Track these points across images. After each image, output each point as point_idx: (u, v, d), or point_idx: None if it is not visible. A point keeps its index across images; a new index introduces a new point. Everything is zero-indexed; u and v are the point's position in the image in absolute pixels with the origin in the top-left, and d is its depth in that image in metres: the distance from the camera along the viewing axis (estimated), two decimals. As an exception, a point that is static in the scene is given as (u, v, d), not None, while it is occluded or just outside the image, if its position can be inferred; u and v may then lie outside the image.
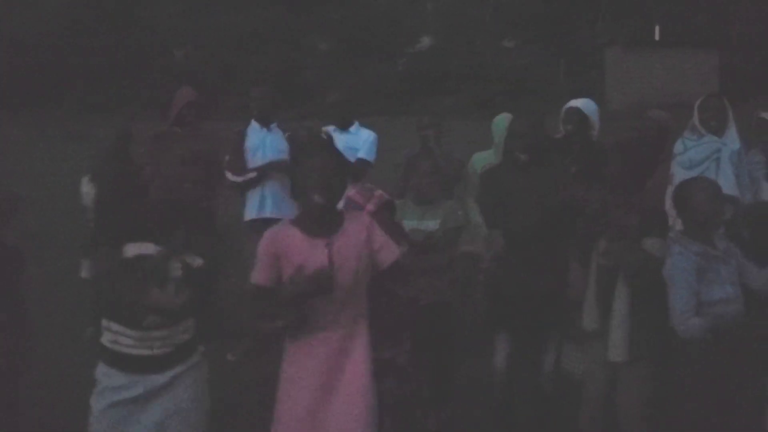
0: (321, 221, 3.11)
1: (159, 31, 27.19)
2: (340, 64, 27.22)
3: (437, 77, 26.89)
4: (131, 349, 3.16)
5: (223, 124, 7.29)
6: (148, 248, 3.18)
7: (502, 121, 5.51)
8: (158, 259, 3.13)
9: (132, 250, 3.14)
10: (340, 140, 5.20)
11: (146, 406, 3.19)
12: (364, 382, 3.18)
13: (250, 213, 6.03)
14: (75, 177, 6.20)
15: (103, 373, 3.21)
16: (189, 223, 3.28)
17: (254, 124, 6.09)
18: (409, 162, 4.77)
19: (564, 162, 4.87)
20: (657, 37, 25.73)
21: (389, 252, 3.24)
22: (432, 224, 4.39)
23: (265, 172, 5.92)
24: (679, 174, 4.89)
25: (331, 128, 5.88)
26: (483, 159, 5.71)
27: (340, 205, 3.33)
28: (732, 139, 5.06)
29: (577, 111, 5.22)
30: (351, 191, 3.63)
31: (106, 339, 3.21)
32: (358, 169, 5.76)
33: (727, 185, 4.72)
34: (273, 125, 6.09)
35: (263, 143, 6.00)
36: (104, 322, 3.21)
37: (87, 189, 6.05)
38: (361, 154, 5.91)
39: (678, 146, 5.21)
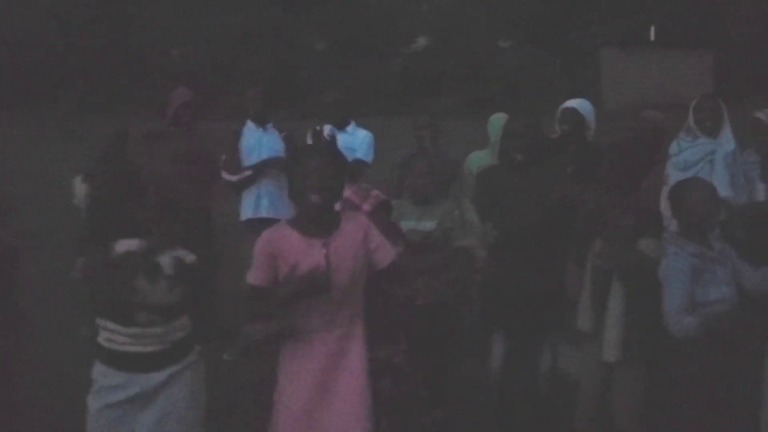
0: (318, 222, 3.12)
1: (156, 31, 27.15)
2: (336, 64, 27.20)
3: (433, 77, 26.86)
4: (126, 347, 3.16)
5: (220, 124, 7.28)
6: (136, 245, 3.17)
7: (497, 120, 5.52)
8: (141, 254, 3.11)
9: (121, 247, 3.13)
10: (337, 140, 5.21)
11: (143, 406, 3.19)
12: (361, 382, 3.19)
13: (246, 213, 6.04)
14: (73, 176, 6.20)
15: (99, 372, 3.21)
16: (182, 221, 3.28)
17: (250, 124, 6.10)
18: (405, 162, 4.78)
19: (560, 162, 4.88)
20: (652, 38, 25.78)
21: (386, 252, 3.25)
22: (429, 224, 4.40)
23: (261, 170, 5.93)
24: (673, 175, 4.91)
25: (327, 128, 5.89)
26: (479, 158, 5.72)
27: (337, 205, 3.34)
28: (727, 140, 5.08)
29: (573, 111, 5.23)
30: (347, 191, 3.63)
31: (102, 337, 3.21)
32: (356, 170, 5.77)
33: (721, 187, 4.74)
34: (269, 125, 6.10)
35: (259, 143, 6.01)
36: (100, 321, 3.21)
37: (79, 189, 6.04)
38: (358, 155, 5.92)
39: (673, 147, 5.22)
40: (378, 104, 22.55)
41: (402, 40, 30.73)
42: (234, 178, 5.99)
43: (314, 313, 3.14)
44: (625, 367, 3.93)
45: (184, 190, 5.57)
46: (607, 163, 4.20)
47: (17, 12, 26.16)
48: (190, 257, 3.21)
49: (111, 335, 3.17)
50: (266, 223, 4.87)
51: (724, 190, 4.78)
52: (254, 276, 3.13)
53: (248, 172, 5.95)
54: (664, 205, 4.60)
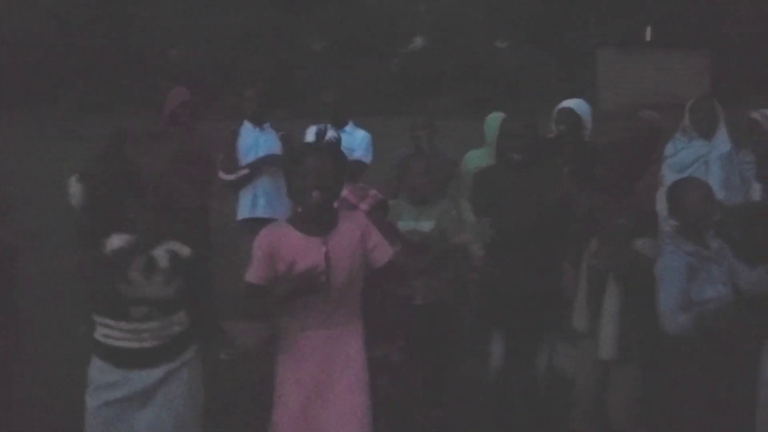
0: (317, 220, 3.13)
1: (156, 31, 27.14)
2: (334, 64, 27.20)
3: (431, 77, 26.88)
4: (123, 343, 3.14)
5: (220, 123, 7.29)
6: (128, 239, 3.16)
7: (494, 120, 5.52)
8: (134, 247, 3.10)
9: (115, 242, 3.12)
10: (329, 137, 5.21)
11: (141, 405, 3.18)
12: (359, 380, 3.20)
13: (243, 212, 6.05)
14: (69, 176, 6.19)
15: (96, 368, 3.20)
16: (181, 220, 3.27)
17: (247, 125, 6.10)
18: (403, 162, 4.79)
19: (557, 162, 4.89)
20: (648, 38, 25.80)
21: (384, 251, 3.27)
22: (428, 225, 4.41)
23: (258, 168, 5.94)
24: (669, 176, 4.92)
25: (331, 132, 5.89)
26: (476, 157, 5.72)
27: (335, 204, 3.36)
28: (722, 141, 5.10)
29: (570, 111, 5.24)
30: (345, 191, 3.65)
31: (99, 333, 3.19)
32: (355, 170, 5.78)
33: (716, 188, 4.74)
34: (266, 125, 6.10)
35: (256, 143, 6.01)
36: (97, 317, 3.20)
37: (75, 189, 6.03)
38: (358, 156, 5.92)
39: (669, 148, 5.24)
40: (375, 104, 22.55)
41: (400, 40, 30.73)
42: (230, 177, 6.00)
43: (312, 312, 3.15)
44: (621, 366, 3.95)
45: (182, 189, 5.58)
46: (604, 163, 4.22)
47: (17, 12, 26.14)
48: (184, 250, 3.20)
49: (107, 331, 3.16)
50: (263, 223, 4.85)
51: (718, 192, 4.79)
52: (252, 274, 3.14)
53: (245, 171, 5.96)
54: (660, 206, 4.62)
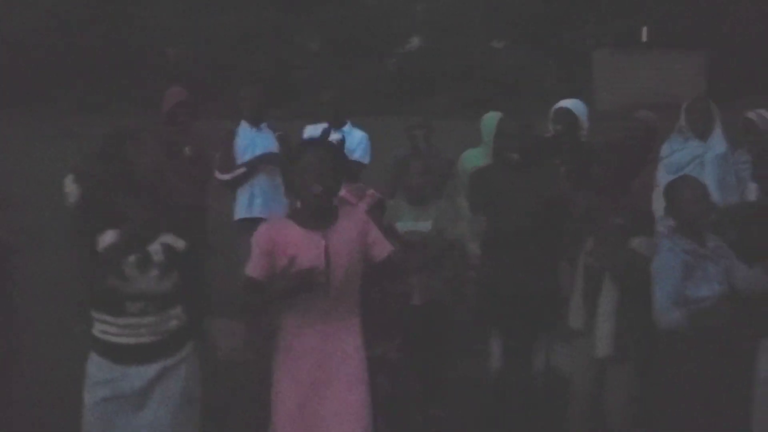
0: (317, 214, 3.13)
1: (155, 31, 27.12)
2: (330, 64, 27.19)
3: (427, 77, 26.89)
4: (120, 338, 3.13)
5: (219, 122, 7.30)
6: (119, 233, 3.15)
7: (491, 119, 5.52)
8: (123, 244, 3.09)
9: (108, 237, 3.11)
10: (333, 139, 5.22)
11: (138, 403, 3.18)
12: (357, 377, 3.20)
13: (240, 212, 6.05)
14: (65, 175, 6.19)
15: (94, 364, 3.19)
16: (174, 214, 3.26)
17: (244, 124, 6.11)
18: (400, 163, 4.79)
19: (553, 162, 4.91)
20: (645, 39, 25.83)
21: (383, 246, 3.27)
22: (426, 225, 4.42)
23: (255, 166, 5.94)
24: (664, 177, 4.93)
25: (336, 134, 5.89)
26: (473, 157, 5.72)
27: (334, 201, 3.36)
28: (718, 142, 5.12)
29: (567, 111, 5.25)
30: (343, 191, 3.66)
31: (96, 329, 3.19)
32: (353, 171, 5.78)
33: (711, 189, 4.76)
34: (263, 125, 6.10)
35: (253, 143, 6.01)
36: (94, 313, 3.19)
37: (70, 189, 6.03)
38: (356, 156, 5.92)
39: (665, 149, 5.25)
40: (372, 104, 22.54)
41: (397, 40, 30.73)
42: (226, 177, 6.00)
43: (310, 308, 3.14)
44: (617, 365, 3.96)
45: (179, 187, 5.58)
46: (600, 163, 4.23)
47: (17, 12, 26.11)
48: (179, 243, 3.19)
49: (105, 326, 3.15)
50: (260, 222, 4.88)
51: (713, 192, 4.80)
52: (252, 268, 3.14)
53: (242, 170, 5.96)
54: (656, 206, 4.63)
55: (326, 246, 3.10)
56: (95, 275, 3.08)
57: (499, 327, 4.57)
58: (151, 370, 3.16)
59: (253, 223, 5.27)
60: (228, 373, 5.12)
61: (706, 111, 5.18)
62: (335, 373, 3.18)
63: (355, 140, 6.01)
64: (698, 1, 25.59)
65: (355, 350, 3.22)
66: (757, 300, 3.75)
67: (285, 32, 28.43)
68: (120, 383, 3.15)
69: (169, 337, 3.19)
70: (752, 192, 5.23)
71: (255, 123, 6.08)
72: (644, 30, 25.59)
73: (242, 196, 6.04)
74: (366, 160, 6.04)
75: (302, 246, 3.09)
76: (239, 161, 5.98)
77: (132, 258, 3.09)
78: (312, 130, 5.87)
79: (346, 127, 6.07)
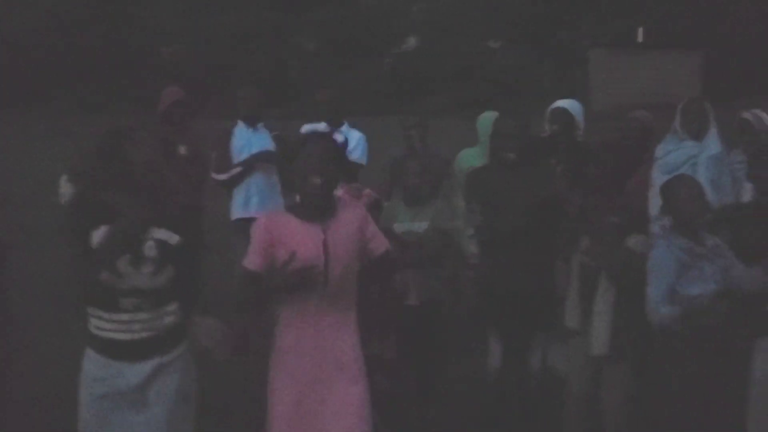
0: (316, 207, 3.13)
1: (155, 31, 27.11)
2: (327, 64, 27.20)
3: (423, 77, 26.92)
4: (115, 334, 3.12)
5: (217, 122, 7.30)
6: (111, 229, 3.14)
7: (487, 119, 5.53)
8: (117, 240, 3.08)
9: (101, 234, 3.10)
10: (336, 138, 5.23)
11: (133, 399, 3.17)
12: (354, 373, 3.18)
13: (236, 212, 6.05)
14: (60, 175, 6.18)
15: (91, 361, 3.18)
16: (169, 211, 3.25)
17: (241, 125, 6.11)
18: (396, 163, 4.80)
19: (549, 162, 4.92)
20: (640, 39, 25.87)
21: (381, 241, 3.28)
22: (423, 225, 4.43)
23: (252, 166, 5.94)
24: (658, 178, 4.94)
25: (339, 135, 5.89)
26: (469, 156, 5.73)
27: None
28: (712, 143, 5.13)
29: (563, 111, 5.27)
30: (340, 191, 3.67)
31: (92, 325, 3.18)
32: (351, 171, 5.79)
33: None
34: (260, 125, 6.11)
35: (249, 143, 6.02)
36: (90, 310, 3.18)
37: (64, 189, 6.01)
38: (353, 157, 5.93)
39: (660, 149, 5.26)
40: (369, 104, 22.54)
41: (393, 41, 30.76)
42: (223, 177, 6.01)
43: (307, 303, 3.14)
44: (613, 364, 3.97)
45: (175, 186, 5.58)
46: (596, 162, 4.24)
47: (17, 12, 26.09)
48: (173, 238, 3.18)
49: (100, 323, 3.14)
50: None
51: (708, 193, 4.81)
52: (250, 260, 3.14)
53: (238, 169, 5.96)
54: (652, 207, 4.64)
55: (324, 239, 3.10)
56: (88, 271, 3.07)
57: (497, 326, 4.58)
58: (146, 366, 3.15)
59: (249, 222, 5.27)
60: (226, 372, 5.13)
61: (701, 112, 5.19)
62: (333, 371, 3.16)
63: (353, 141, 6.01)
64: (694, 2, 25.64)
65: (351, 347, 3.21)
66: (754, 299, 3.76)
67: (283, 32, 28.46)
68: (116, 380, 3.14)
69: (164, 333, 3.17)
70: (747, 192, 5.24)
71: (252, 123, 6.08)
72: (640, 30, 25.63)
73: (238, 195, 6.04)
74: (363, 161, 6.05)
75: (301, 238, 3.08)
76: (235, 161, 5.98)
77: (104, 252, 3.06)
78: (310, 130, 5.87)
79: (344, 128, 6.07)
